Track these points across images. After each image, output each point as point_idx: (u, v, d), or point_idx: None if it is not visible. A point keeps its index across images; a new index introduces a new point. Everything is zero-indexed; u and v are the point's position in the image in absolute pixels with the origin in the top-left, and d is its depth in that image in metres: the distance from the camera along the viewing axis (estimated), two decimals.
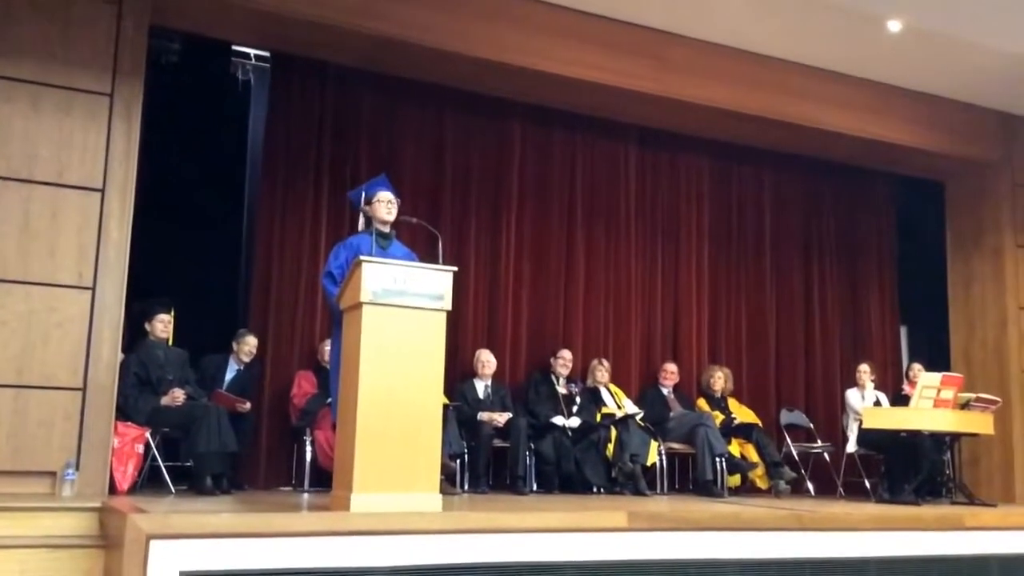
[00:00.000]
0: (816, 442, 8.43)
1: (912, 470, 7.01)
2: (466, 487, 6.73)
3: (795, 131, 8.05)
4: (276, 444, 6.88)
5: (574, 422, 7.23)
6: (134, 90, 5.74)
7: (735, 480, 7.61)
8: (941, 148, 8.45)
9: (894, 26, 7.08)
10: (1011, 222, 8.69)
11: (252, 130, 7.59)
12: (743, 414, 8.15)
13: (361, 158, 7.41)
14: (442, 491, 4.67)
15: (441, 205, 7.65)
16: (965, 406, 7.14)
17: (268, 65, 7.39)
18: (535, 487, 7.03)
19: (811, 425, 8.62)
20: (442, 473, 4.96)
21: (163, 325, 6.23)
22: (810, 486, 8.07)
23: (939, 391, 6.92)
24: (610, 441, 7.20)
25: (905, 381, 8.36)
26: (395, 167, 7.24)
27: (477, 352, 7.41)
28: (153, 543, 3.80)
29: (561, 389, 7.49)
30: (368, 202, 5.46)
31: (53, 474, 5.19)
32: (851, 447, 7.90)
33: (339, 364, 4.91)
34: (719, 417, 7.82)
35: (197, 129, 7.18)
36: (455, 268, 4.79)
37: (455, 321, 6.80)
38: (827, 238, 9.33)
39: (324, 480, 6.07)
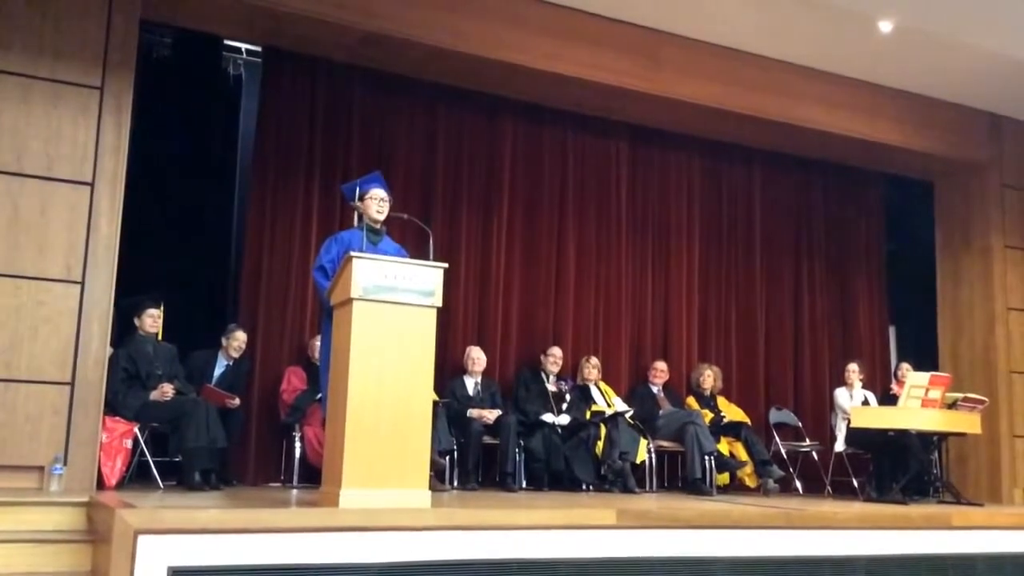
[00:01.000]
0: (805, 441, 8.46)
1: (900, 469, 7.04)
2: (455, 484, 6.73)
3: (785, 130, 8.08)
4: (265, 440, 6.86)
5: (564, 419, 7.23)
6: (124, 84, 5.72)
7: (724, 478, 7.63)
8: (930, 148, 8.49)
9: (885, 26, 7.10)
10: (1000, 223, 8.73)
11: (243, 125, 7.57)
12: (732, 412, 8.17)
13: (352, 154, 7.40)
14: (431, 488, 4.68)
15: (432, 201, 7.64)
16: (953, 406, 7.17)
17: (260, 60, 7.36)
18: (524, 484, 7.05)
19: (800, 424, 8.64)
20: (431, 469, 4.96)
21: (152, 320, 6.20)
22: (798, 485, 8.10)
23: (927, 391, 6.95)
24: (599, 439, 7.20)
25: (893, 380, 8.40)
26: (386, 163, 7.24)
27: (467, 349, 7.41)
28: (141, 538, 3.79)
29: (551, 386, 7.49)
30: (361, 198, 5.45)
31: (41, 469, 5.18)
32: (839, 446, 7.93)
33: (329, 360, 4.90)
34: (708, 415, 7.83)
35: (188, 124, 7.16)
36: (446, 264, 4.80)
37: (445, 317, 6.80)
38: (817, 237, 9.36)
39: (313, 476, 6.06)
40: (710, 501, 6.41)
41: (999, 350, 8.54)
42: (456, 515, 4.56)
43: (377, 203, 5.42)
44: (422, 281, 4.65)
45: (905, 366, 8.13)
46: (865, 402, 8.03)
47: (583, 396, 7.61)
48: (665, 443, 7.62)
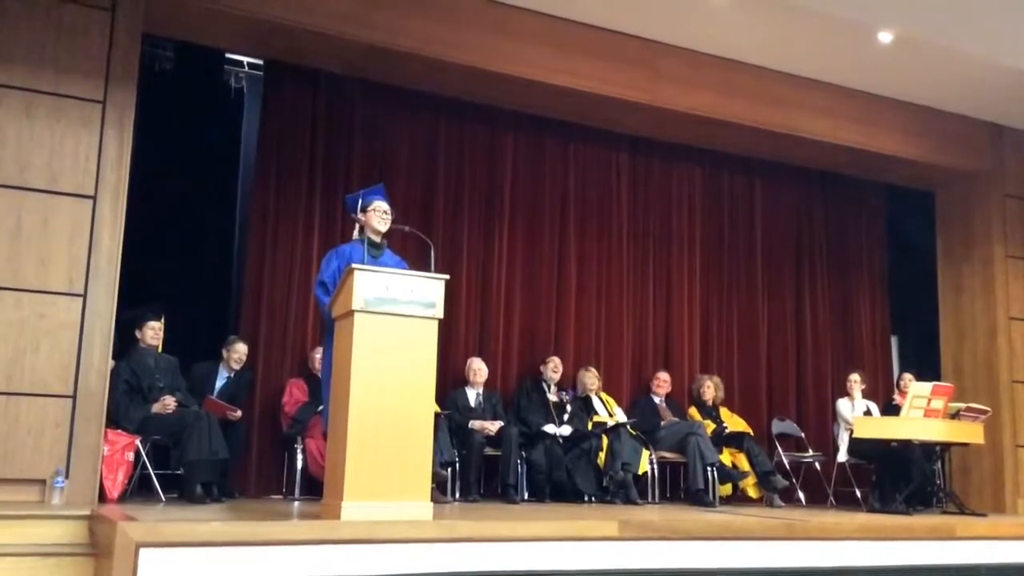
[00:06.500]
0: (807, 451, 8.44)
1: (902, 480, 7.03)
2: (457, 495, 6.72)
3: (786, 141, 8.10)
4: (267, 452, 6.87)
5: (565, 430, 7.23)
6: (127, 97, 5.73)
7: (726, 489, 7.61)
8: (931, 158, 8.50)
9: (885, 37, 7.12)
10: (1001, 232, 8.73)
11: (244, 138, 7.59)
12: (734, 423, 8.16)
13: (353, 166, 7.41)
14: (433, 499, 4.67)
15: (433, 213, 7.65)
16: (955, 416, 7.16)
17: (261, 73, 7.40)
18: (526, 496, 7.04)
19: (802, 434, 8.63)
20: (433, 481, 4.95)
21: (154, 332, 6.21)
22: (801, 495, 8.08)
23: (929, 401, 6.94)
24: (601, 450, 7.19)
25: (896, 391, 8.39)
26: (387, 175, 7.25)
27: (469, 360, 7.41)
28: (143, 551, 3.79)
29: (552, 397, 7.49)
30: (363, 209, 5.46)
31: (43, 482, 5.17)
32: (842, 457, 7.92)
33: (330, 372, 4.91)
34: (710, 426, 7.82)
35: (190, 137, 7.17)
36: (447, 276, 4.80)
37: (447, 329, 6.81)
38: (818, 247, 9.36)
39: (315, 488, 6.06)
40: (712, 512, 6.39)
41: (1001, 360, 8.53)
42: (458, 527, 4.55)
43: (380, 215, 5.43)
44: (423, 293, 4.65)
45: (908, 376, 8.13)
46: (867, 412, 8.02)
47: (585, 407, 7.60)
48: (667, 454, 7.60)
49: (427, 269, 4.90)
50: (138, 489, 5.96)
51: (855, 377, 8.19)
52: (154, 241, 6.63)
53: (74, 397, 5.34)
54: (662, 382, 8.09)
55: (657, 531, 4.94)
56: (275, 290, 7.07)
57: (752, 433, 8.06)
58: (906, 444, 7.02)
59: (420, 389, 4.61)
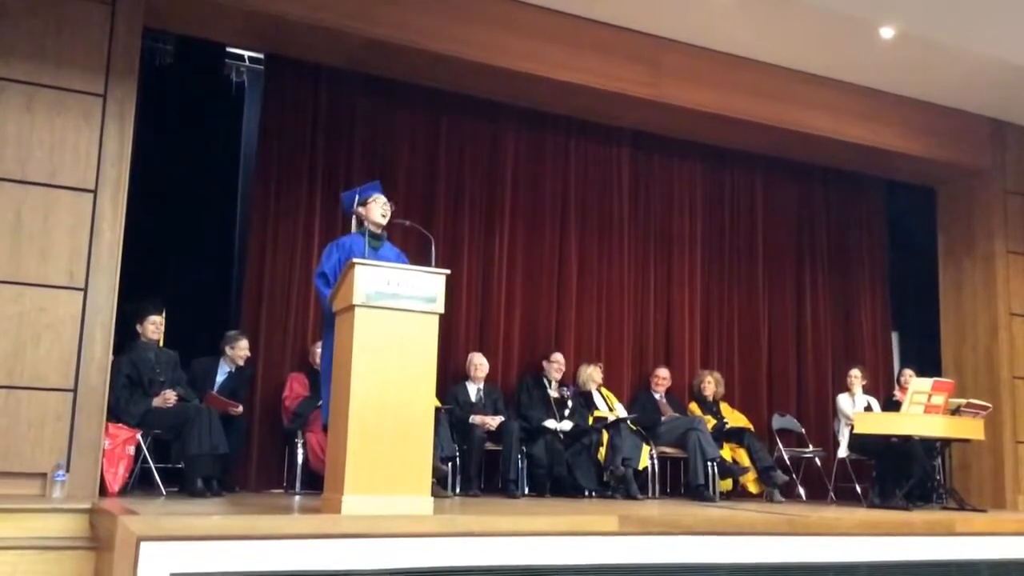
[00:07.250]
0: (808, 447, 8.45)
1: (903, 475, 7.03)
2: (457, 490, 6.72)
3: (788, 136, 8.08)
4: (267, 446, 6.87)
5: (566, 425, 7.23)
6: (127, 91, 5.72)
7: (727, 484, 7.62)
8: (932, 154, 8.49)
9: (886, 33, 7.11)
10: (1002, 228, 8.73)
11: (245, 132, 7.58)
12: (735, 418, 8.17)
13: (354, 161, 7.41)
14: (433, 494, 4.67)
15: (434, 208, 7.65)
16: (956, 412, 7.16)
17: (262, 67, 7.39)
18: (527, 490, 7.04)
19: (803, 430, 8.64)
20: (434, 476, 4.95)
21: (154, 326, 6.21)
22: (801, 491, 8.09)
23: (930, 396, 6.93)
24: (602, 445, 7.21)
25: (896, 387, 8.38)
26: (388, 170, 7.26)
27: (470, 355, 7.41)
28: (144, 545, 3.78)
29: (553, 392, 7.49)
30: (363, 203, 5.46)
31: (44, 475, 5.17)
32: (842, 452, 7.93)
33: (330, 365, 4.91)
34: (711, 421, 7.82)
35: (190, 131, 7.16)
36: (448, 271, 4.79)
37: (448, 324, 6.80)
38: (819, 243, 9.36)
39: (315, 483, 6.06)
40: (713, 507, 6.41)
41: (1002, 356, 8.53)
42: (458, 521, 4.55)
43: (381, 206, 5.43)
44: (424, 287, 4.65)
45: (908, 372, 8.12)
46: (868, 408, 8.03)
47: (585, 402, 7.60)
48: (668, 449, 7.61)
49: (428, 264, 4.90)
50: (139, 483, 5.97)
51: (856, 373, 8.19)
52: (155, 235, 6.63)
53: (75, 391, 5.34)
54: (661, 379, 8.09)
55: (657, 526, 4.94)
56: (275, 284, 7.07)
57: (752, 428, 8.07)
58: (906, 440, 7.02)
59: (421, 384, 4.61)
